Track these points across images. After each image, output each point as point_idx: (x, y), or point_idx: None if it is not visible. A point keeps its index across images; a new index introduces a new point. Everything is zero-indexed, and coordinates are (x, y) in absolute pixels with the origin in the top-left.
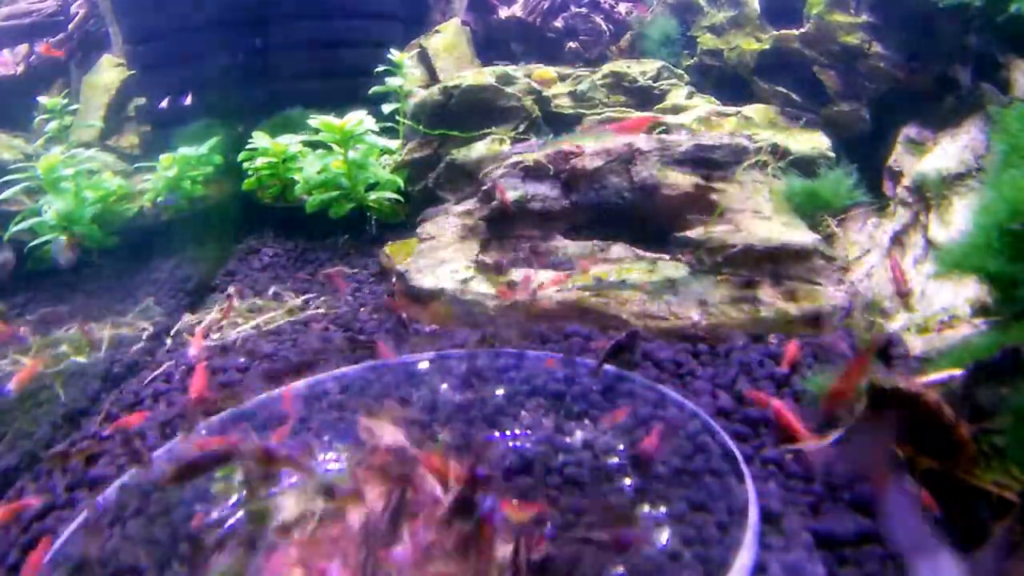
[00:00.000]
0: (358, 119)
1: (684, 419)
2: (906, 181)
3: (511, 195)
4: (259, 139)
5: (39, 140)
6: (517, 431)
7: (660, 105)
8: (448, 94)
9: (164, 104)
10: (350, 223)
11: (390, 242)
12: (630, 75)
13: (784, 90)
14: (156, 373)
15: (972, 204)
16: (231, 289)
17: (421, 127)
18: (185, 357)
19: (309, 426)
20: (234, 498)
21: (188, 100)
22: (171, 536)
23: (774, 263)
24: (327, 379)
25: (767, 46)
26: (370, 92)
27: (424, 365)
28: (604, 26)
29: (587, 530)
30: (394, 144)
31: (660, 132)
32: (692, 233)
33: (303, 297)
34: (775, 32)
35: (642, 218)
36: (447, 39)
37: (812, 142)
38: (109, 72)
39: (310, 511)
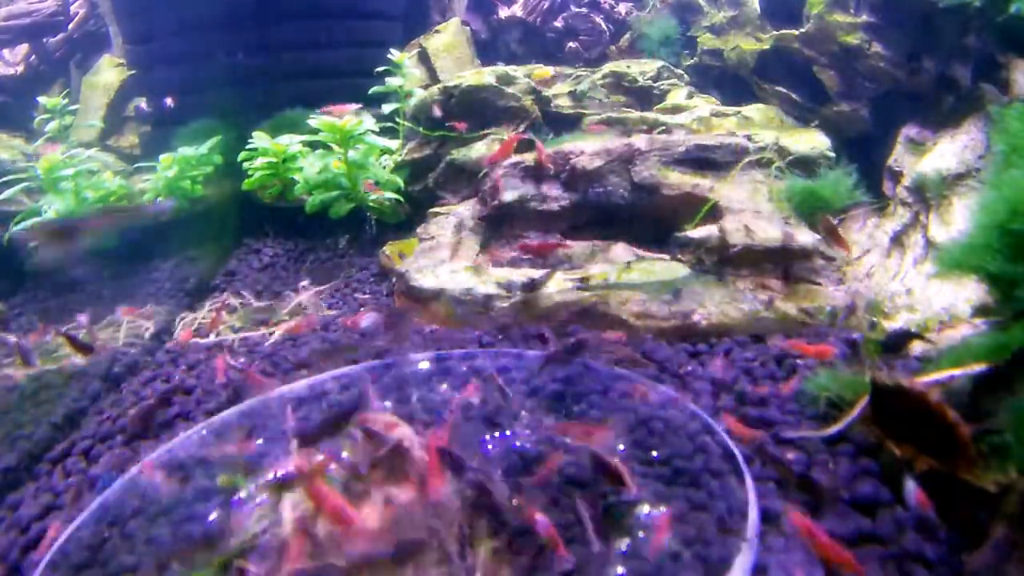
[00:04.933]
0: (358, 119)
1: (684, 419)
2: (906, 181)
3: (510, 195)
4: (259, 139)
5: (39, 140)
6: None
7: (660, 105)
8: (448, 94)
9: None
10: (350, 223)
11: (390, 242)
12: (630, 75)
13: (784, 90)
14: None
15: (972, 204)
16: (226, 295)
17: (421, 127)
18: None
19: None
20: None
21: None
22: None
23: (774, 263)
24: (327, 379)
25: (767, 46)
26: (370, 92)
27: None
28: (604, 26)
29: None
30: (394, 144)
31: (660, 132)
32: (692, 233)
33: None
34: (775, 32)
35: (642, 218)
36: (447, 39)
37: (812, 142)
38: (109, 72)
39: None
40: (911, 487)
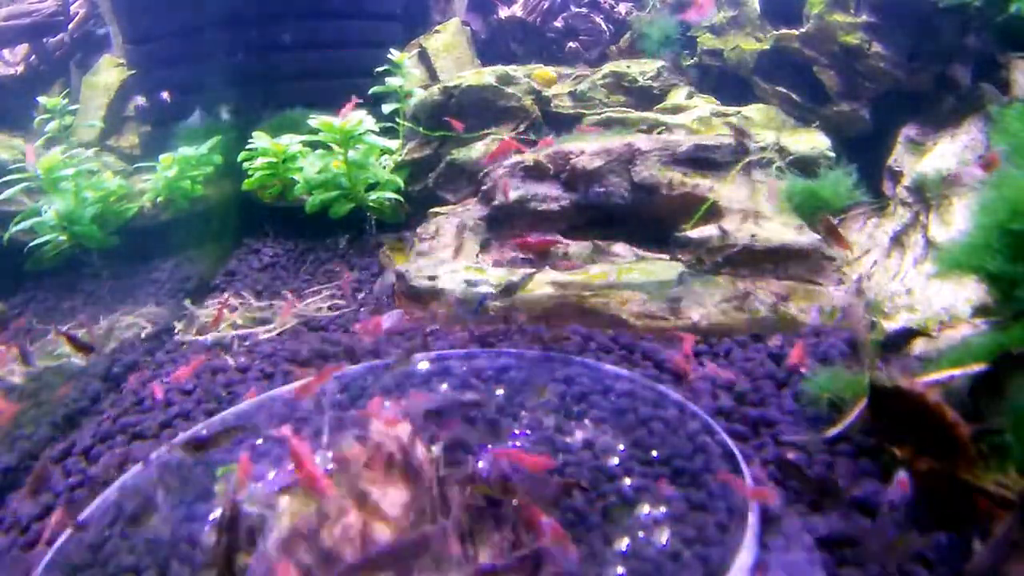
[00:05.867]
0: (358, 119)
1: (684, 419)
2: (906, 181)
3: (511, 195)
4: (259, 139)
5: (39, 140)
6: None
7: (660, 105)
8: (448, 94)
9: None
10: (350, 223)
11: (390, 242)
12: (630, 75)
13: (784, 90)
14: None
15: (972, 204)
16: (226, 295)
17: (421, 128)
18: None
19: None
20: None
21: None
22: None
23: (774, 263)
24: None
25: (767, 46)
26: (370, 92)
27: None
28: (604, 26)
29: None
30: (394, 144)
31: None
32: (692, 233)
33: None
34: (775, 32)
35: (642, 218)
36: (447, 39)
37: (812, 142)
38: (109, 72)
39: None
40: (900, 477)
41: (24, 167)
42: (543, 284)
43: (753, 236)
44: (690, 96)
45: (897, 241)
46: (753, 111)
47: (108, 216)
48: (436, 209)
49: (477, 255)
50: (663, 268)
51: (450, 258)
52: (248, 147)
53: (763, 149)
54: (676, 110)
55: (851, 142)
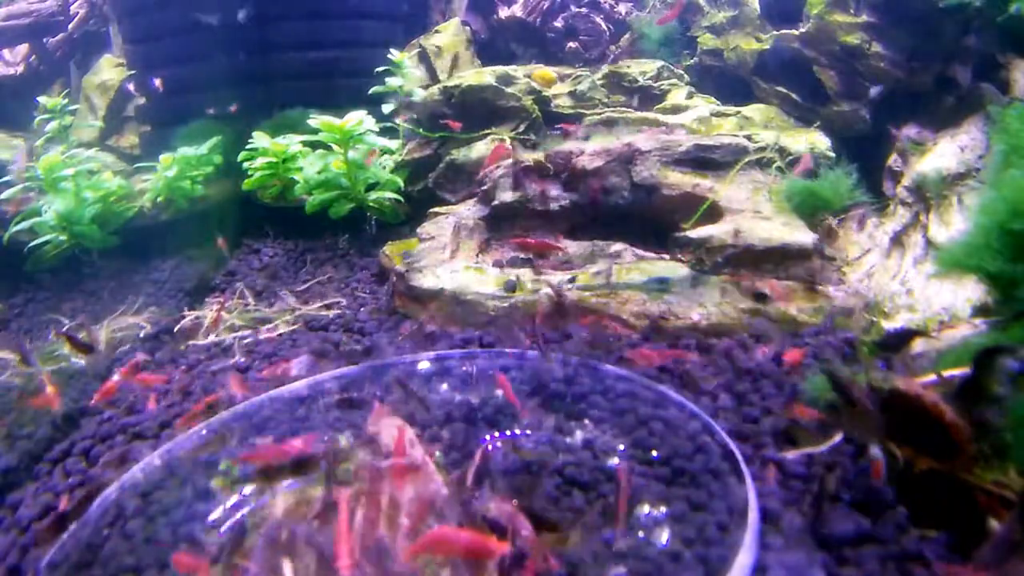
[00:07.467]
0: (358, 119)
1: (684, 419)
2: (906, 181)
3: (510, 195)
4: (259, 139)
5: (39, 140)
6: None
7: (660, 105)
8: (448, 94)
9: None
10: (350, 223)
11: (390, 242)
12: (630, 75)
13: (784, 90)
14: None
15: (972, 204)
16: (222, 297)
17: (420, 129)
18: None
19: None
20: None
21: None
22: None
23: (774, 263)
24: (327, 378)
25: (767, 46)
26: (370, 92)
27: None
28: (604, 26)
29: None
30: (394, 144)
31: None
32: (692, 233)
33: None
34: (775, 32)
35: (642, 218)
36: (447, 39)
37: (812, 142)
38: (109, 72)
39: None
40: (875, 454)
41: (24, 167)
42: (543, 284)
43: (739, 234)
44: (690, 96)
45: (897, 241)
46: (753, 111)
47: (108, 216)
48: (436, 209)
49: (477, 255)
50: (663, 268)
51: (449, 258)
52: (248, 147)
53: (763, 149)
54: (676, 110)
55: (851, 142)
